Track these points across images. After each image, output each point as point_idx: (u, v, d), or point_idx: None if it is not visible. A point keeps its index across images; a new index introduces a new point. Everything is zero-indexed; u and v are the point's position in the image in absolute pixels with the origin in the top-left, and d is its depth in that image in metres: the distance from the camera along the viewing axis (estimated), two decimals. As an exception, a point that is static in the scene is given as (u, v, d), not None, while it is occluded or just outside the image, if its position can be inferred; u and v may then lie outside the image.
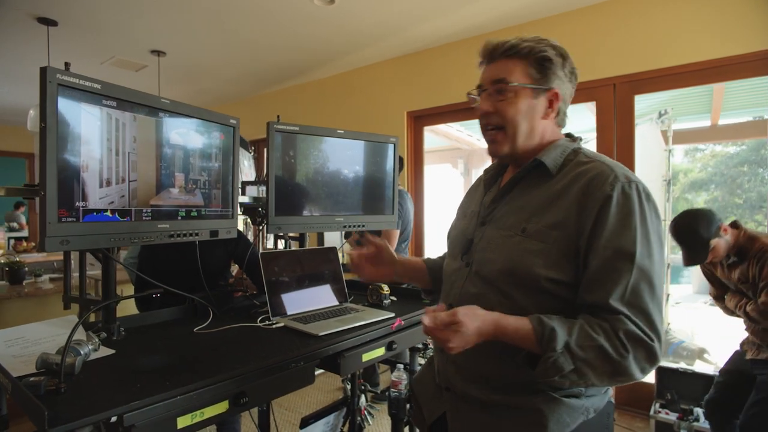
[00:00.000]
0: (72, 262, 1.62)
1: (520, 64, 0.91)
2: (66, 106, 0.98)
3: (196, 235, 1.33)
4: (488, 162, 1.16)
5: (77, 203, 1.01)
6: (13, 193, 1.14)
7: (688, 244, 1.99)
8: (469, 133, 6.16)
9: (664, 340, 0.77)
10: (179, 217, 1.28)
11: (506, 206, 0.95)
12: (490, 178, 1.07)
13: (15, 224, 6.49)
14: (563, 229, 0.83)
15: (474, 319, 0.79)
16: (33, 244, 5.48)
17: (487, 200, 1.02)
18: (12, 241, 5.47)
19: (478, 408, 0.92)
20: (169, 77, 4.38)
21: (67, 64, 1.29)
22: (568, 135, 1.00)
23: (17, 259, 3.14)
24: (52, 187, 0.95)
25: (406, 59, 3.91)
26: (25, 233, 6.85)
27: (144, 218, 1.18)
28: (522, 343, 0.79)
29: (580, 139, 0.99)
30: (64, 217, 0.98)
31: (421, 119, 3.96)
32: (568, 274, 0.82)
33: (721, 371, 2.25)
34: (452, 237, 1.09)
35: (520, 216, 0.90)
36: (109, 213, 1.08)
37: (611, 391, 0.94)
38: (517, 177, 0.96)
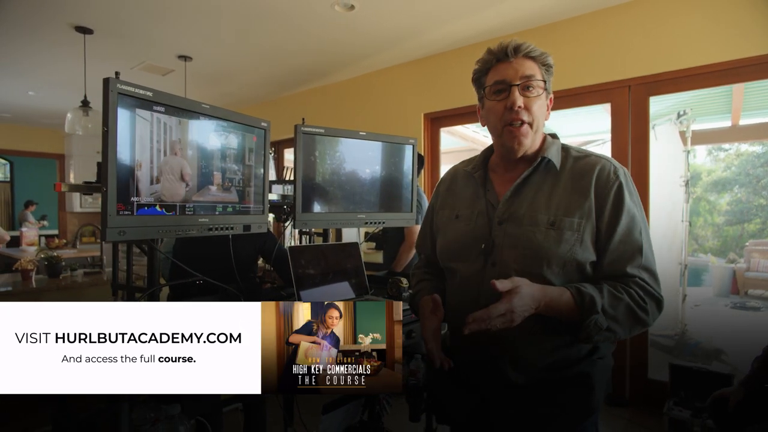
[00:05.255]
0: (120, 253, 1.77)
1: (536, 65, 0.97)
2: (123, 112, 1.11)
3: (231, 229, 1.45)
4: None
5: (132, 198, 1.14)
6: (75, 189, 1.28)
7: None
8: (484, 134, 6.20)
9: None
10: (217, 213, 1.40)
11: (523, 203, 0.99)
12: (479, 177, 1.08)
13: (27, 222, 6.82)
14: (587, 217, 0.94)
15: (525, 283, 0.85)
16: (64, 240, 5.74)
17: (491, 199, 1.04)
18: (44, 239, 5.73)
19: (524, 390, 0.97)
20: (194, 81, 4.56)
21: (117, 74, 1.43)
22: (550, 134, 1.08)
23: (55, 254, 3.33)
24: (112, 184, 1.07)
25: (423, 62, 4.00)
26: (55, 230, 7.21)
27: (187, 213, 1.30)
28: (562, 307, 0.88)
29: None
30: (121, 211, 1.11)
31: (437, 121, 4.05)
32: (595, 254, 0.94)
33: None
34: (457, 241, 1.06)
35: (543, 211, 0.96)
36: (157, 207, 1.21)
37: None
38: (528, 175, 1.00)
